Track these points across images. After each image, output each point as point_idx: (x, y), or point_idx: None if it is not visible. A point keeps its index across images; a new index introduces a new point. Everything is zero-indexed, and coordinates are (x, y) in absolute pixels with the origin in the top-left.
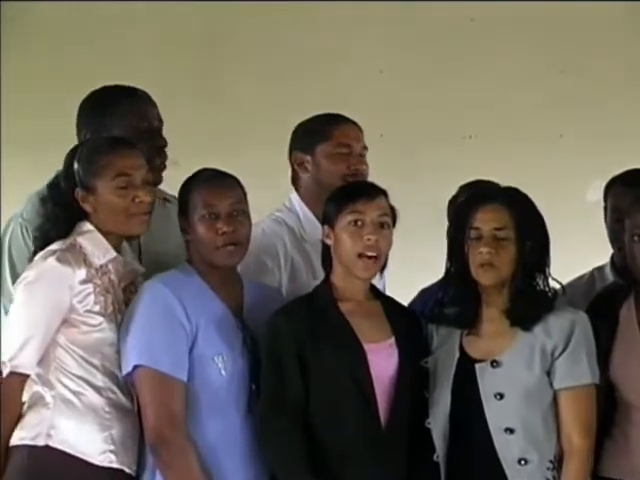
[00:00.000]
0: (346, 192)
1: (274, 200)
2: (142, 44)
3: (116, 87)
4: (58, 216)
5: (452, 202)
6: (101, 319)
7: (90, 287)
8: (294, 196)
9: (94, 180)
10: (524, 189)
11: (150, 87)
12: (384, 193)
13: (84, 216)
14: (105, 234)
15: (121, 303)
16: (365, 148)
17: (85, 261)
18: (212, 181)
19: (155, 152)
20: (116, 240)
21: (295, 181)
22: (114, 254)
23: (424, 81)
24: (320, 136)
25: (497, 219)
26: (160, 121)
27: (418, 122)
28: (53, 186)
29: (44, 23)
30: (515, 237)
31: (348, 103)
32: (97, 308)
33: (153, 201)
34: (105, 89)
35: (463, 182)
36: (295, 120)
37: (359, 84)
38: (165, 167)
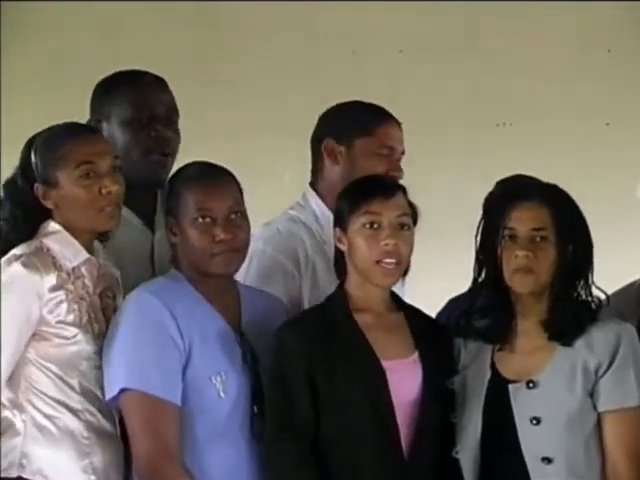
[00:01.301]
0: (358, 190)
1: (278, 198)
2: (139, 30)
3: (123, 72)
4: (17, 217)
5: (489, 200)
6: (76, 330)
7: (62, 294)
8: (309, 193)
9: (54, 172)
10: (566, 184)
11: None
12: (402, 189)
13: (47, 215)
14: (74, 233)
15: (97, 311)
16: (403, 152)
17: (55, 265)
18: (206, 179)
19: (153, 143)
20: (87, 239)
21: (317, 170)
22: (86, 255)
23: (450, 62)
24: (362, 129)
25: (535, 218)
26: (170, 110)
27: (443, 108)
28: (10, 184)
29: (44, 18)
30: (555, 239)
31: (364, 87)
32: (71, 318)
33: (122, 191)
34: (114, 74)
35: (496, 176)
36: (309, 106)
37: (376, 66)
38: (168, 162)
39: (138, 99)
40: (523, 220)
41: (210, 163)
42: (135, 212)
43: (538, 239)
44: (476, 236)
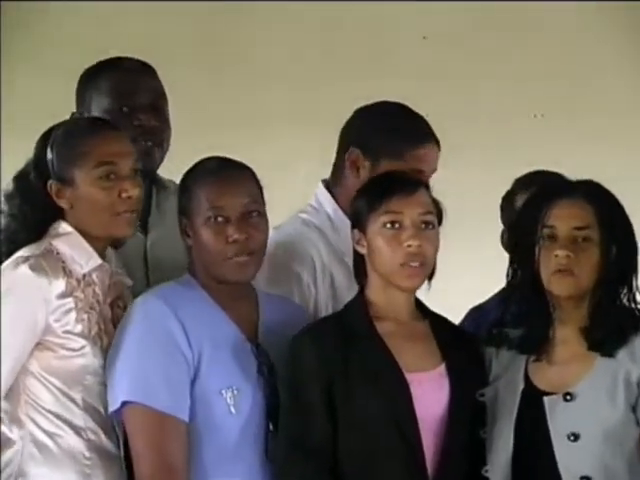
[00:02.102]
0: (377, 187)
1: (292, 196)
2: (142, 26)
3: (105, 60)
4: (27, 215)
5: (506, 199)
6: (84, 342)
7: (70, 302)
8: (323, 195)
9: (71, 170)
10: (606, 179)
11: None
12: (425, 185)
13: (59, 215)
14: (87, 236)
15: (107, 322)
16: (435, 170)
17: (64, 270)
18: (220, 174)
19: (136, 133)
20: (101, 244)
21: (337, 175)
22: (99, 261)
23: (478, 49)
24: (392, 151)
25: (578, 216)
26: (156, 97)
27: (471, 98)
28: (21, 178)
29: (44, 18)
30: (599, 239)
31: (386, 78)
32: (79, 328)
33: (142, 195)
34: (97, 63)
35: (527, 172)
36: (326, 94)
37: (398, 53)
38: (155, 152)
39: (118, 86)
40: (564, 218)
41: (226, 158)
42: None
43: (580, 239)
44: (502, 236)
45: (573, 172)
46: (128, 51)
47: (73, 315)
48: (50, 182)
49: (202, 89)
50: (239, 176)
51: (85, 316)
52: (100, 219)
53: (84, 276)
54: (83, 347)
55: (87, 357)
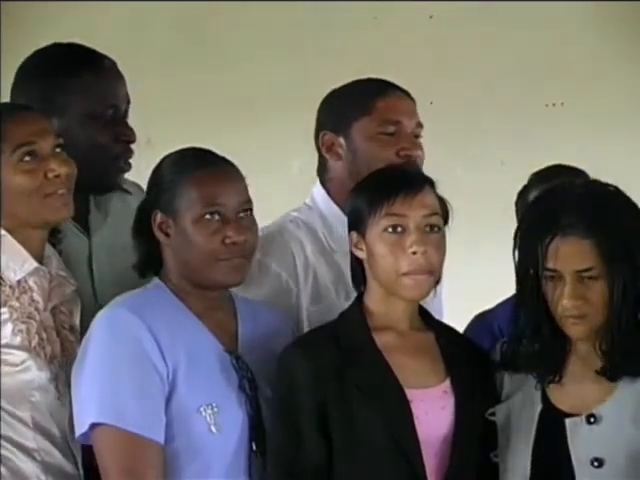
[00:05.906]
0: (377, 186)
1: (284, 193)
2: (140, 26)
3: (74, 50)
4: None
5: (522, 195)
6: (24, 355)
7: (5, 312)
8: (318, 191)
9: None
10: (623, 175)
11: (117, 48)
12: (430, 182)
13: None
14: (20, 235)
15: (50, 330)
16: (419, 125)
17: None
18: (216, 168)
19: (122, 149)
20: (37, 243)
21: (322, 171)
22: (35, 264)
23: (490, 30)
24: (357, 110)
25: (578, 258)
26: (128, 104)
27: (481, 85)
28: None
29: (44, 18)
30: (606, 271)
31: (387, 59)
32: (17, 340)
33: (73, 173)
34: (59, 51)
35: (542, 166)
36: (321, 80)
37: (402, 34)
38: (129, 169)
39: (102, 90)
40: (564, 260)
41: (209, 150)
42: None
43: (586, 279)
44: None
45: (592, 165)
46: (127, 56)
47: (9, 327)
48: None
49: (182, 73)
50: (232, 172)
51: (23, 327)
52: (30, 206)
53: (19, 282)
54: (24, 361)
55: (31, 371)
